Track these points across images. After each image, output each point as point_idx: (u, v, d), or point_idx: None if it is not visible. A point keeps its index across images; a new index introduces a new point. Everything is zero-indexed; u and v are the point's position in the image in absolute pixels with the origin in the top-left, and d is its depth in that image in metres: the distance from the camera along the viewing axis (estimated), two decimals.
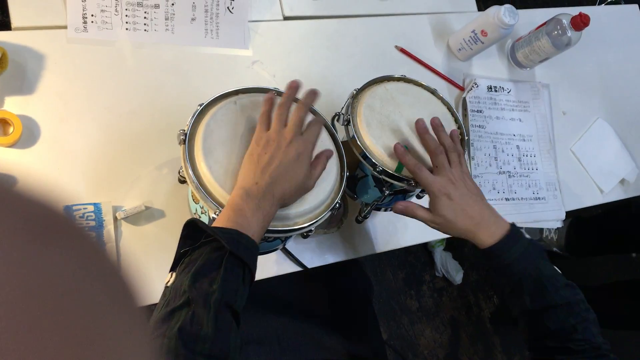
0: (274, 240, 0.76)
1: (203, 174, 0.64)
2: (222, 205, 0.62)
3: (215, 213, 0.62)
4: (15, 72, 0.78)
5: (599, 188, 1.17)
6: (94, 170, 0.79)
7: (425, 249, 1.92)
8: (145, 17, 0.88)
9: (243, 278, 0.56)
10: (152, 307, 0.55)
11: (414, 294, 1.87)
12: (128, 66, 0.86)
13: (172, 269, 0.57)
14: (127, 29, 0.87)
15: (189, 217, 0.71)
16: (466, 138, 0.90)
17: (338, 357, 0.86)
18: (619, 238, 1.70)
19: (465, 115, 1.07)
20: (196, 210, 0.77)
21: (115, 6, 0.86)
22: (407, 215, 0.75)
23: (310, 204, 0.67)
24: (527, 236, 0.74)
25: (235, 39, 0.94)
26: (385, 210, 0.90)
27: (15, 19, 0.82)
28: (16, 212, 0.20)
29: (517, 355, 1.95)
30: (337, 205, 0.70)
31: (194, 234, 0.57)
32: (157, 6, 0.88)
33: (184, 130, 0.66)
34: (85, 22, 0.84)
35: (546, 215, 1.07)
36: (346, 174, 0.72)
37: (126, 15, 0.86)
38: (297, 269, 0.85)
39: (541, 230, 1.84)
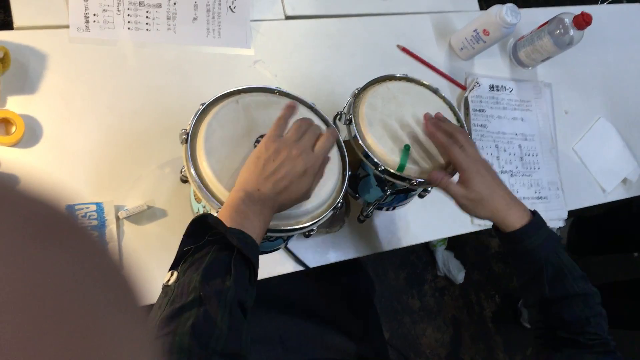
0: (276, 240, 0.76)
1: (205, 174, 0.64)
2: None
3: (217, 212, 0.62)
4: (18, 72, 0.79)
5: (601, 187, 1.16)
6: (96, 170, 0.79)
7: (427, 248, 1.92)
8: (147, 17, 0.88)
9: (249, 278, 0.56)
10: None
11: (415, 293, 1.87)
12: (130, 66, 0.86)
13: (173, 268, 0.56)
14: (129, 28, 0.87)
15: (191, 216, 0.71)
16: None
17: (340, 356, 0.85)
18: (620, 238, 1.70)
19: (467, 114, 1.07)
20: (198, 209, 0.77)
21: (117, 6, 0.86)
22: (439, 187, 0.74)
23: (312, 203, 0.67)
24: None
25: (237, 38, 0.94)
26: (387, 210, 0.90)
27: (17, 18, 0.82)
28: (18, 212, 0.20)
29: (519, 354, 1.95)
30: (339, 204, 0.69)
31: (200, 231, 0.57)
32: (159, 6, 0.88)
33: (186, 130, 0.66)
34: (87, 22, 0.84)
35: (548, 215, 1.07)
36: (348, 173, 0.72)
37: (128, 15, 0.87)
38: (299, 268, 0.85)
39: None
